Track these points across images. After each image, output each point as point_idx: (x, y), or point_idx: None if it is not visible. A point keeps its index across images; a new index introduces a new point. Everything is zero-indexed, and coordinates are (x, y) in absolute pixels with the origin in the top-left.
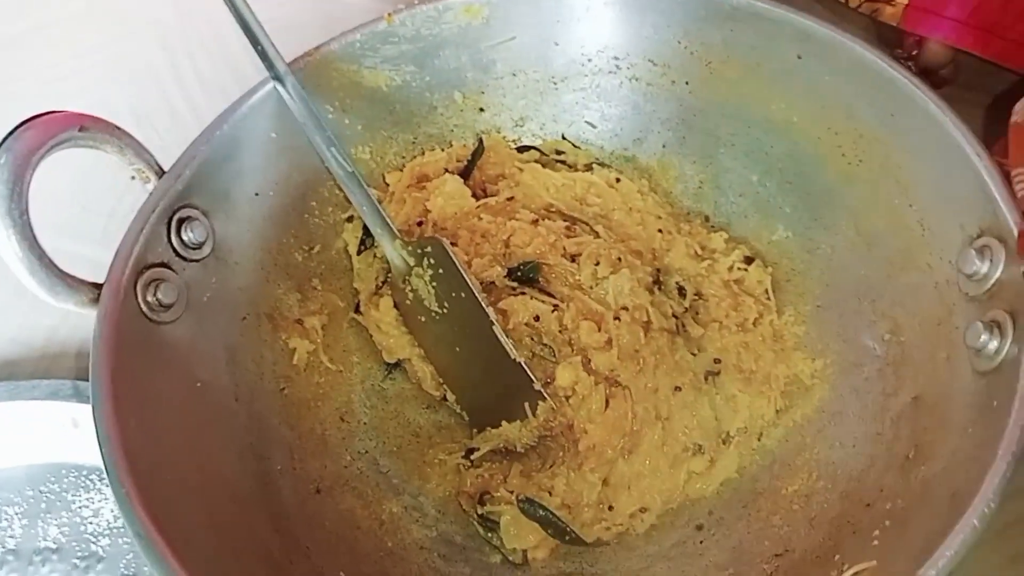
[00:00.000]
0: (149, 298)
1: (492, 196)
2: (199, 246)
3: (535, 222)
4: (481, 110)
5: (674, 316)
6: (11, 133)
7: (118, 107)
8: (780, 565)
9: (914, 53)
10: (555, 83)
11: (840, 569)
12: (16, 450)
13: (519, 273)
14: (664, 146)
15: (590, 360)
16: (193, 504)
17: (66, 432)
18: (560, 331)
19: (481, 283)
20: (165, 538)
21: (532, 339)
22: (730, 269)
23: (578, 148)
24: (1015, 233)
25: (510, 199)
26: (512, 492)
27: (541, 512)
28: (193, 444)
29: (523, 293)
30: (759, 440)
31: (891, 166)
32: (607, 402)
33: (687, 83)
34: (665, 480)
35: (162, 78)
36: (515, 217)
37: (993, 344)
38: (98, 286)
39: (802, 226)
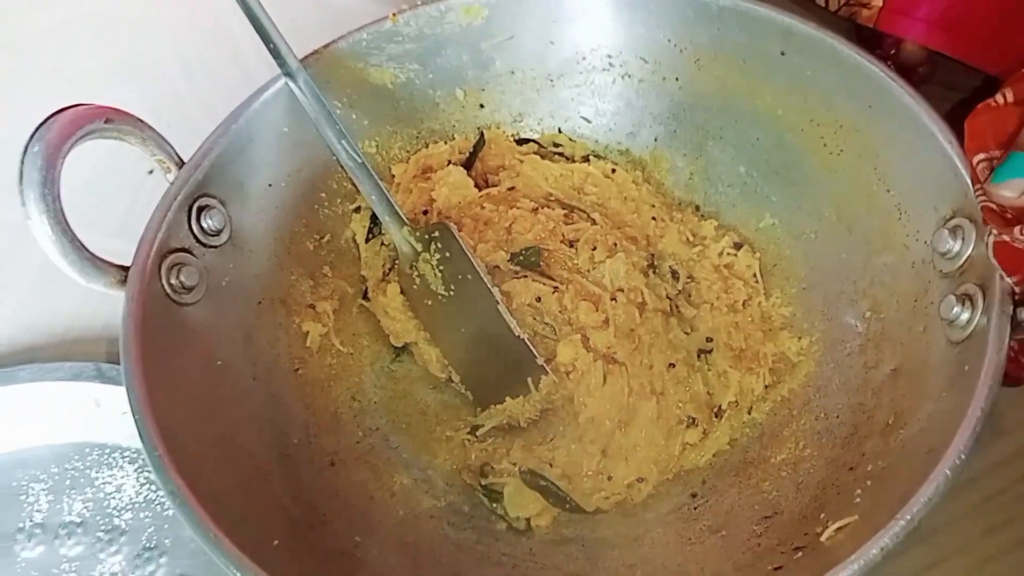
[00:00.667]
0: (172, 280)
1: (494, 186)
2: (217, 233)
3: (535, 210)
4: (481, 106)
5: (668, 298)
6: (43, 123)
7: (133, 104)
8: (769, 526)
9: (893, 53)
10: (551, 80)
11: (824, 526)
12: (41, 430)
13: (521, 257)
14: (656, 139)
15: (588, 338)
16: (220, 471)
17: (89, 412)
18: (560, 311)
19: (486, 266)
20: (197, 498)
21: (534, 319)
22: (720, 254)
23: (574, 141)
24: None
25: (511, 189)
26: (515, 464)
27: (542, 482)
28: (216, 417)
29: (525, 276)
30: (749, 414)
31: (869, 154)
32: (605, 377)
33: (677, 79)
34: (660, 451)
35: (174, 77)
36: (516, 206)
37: (965, 315)
38: (125, 268)
39: (787, 213)
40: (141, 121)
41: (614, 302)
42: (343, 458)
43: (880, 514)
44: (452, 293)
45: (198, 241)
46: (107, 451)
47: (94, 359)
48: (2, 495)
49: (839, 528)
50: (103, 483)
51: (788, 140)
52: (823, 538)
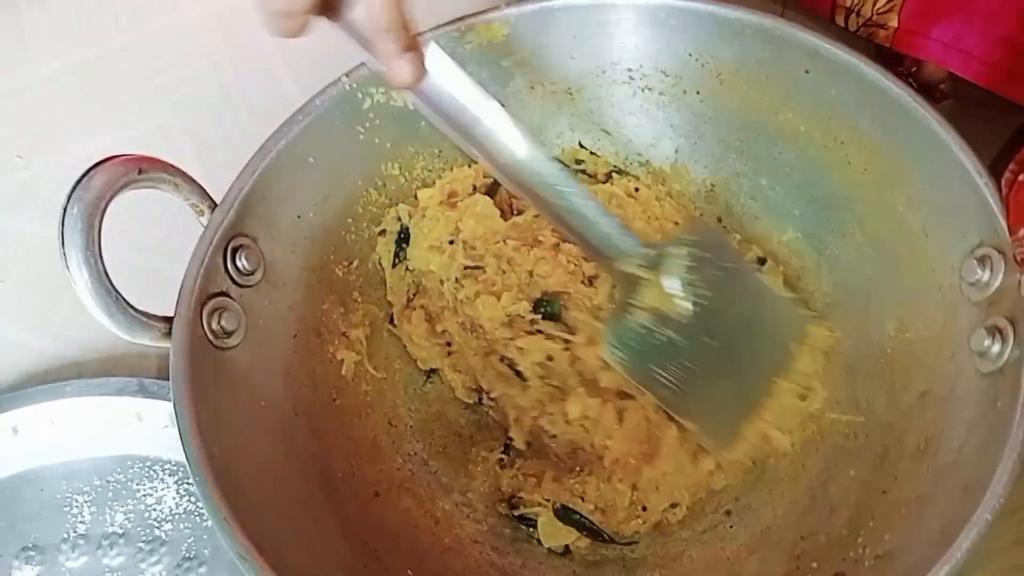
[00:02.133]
0: (214, 326)
1: (519, 213)
2: (252, 272)
3: (556, 246)
4: None
5: None
6: (78, 183)
7: (173, 131)
8: (806, 548)
9: (914, 70)
10: (571, 94)
11: (862, 550)
12: (85, 443)
13: (544, 308)
14: (676, 151)
15: (598, 380)
16: (278, 520)
17: (131, 426)
18: (570, 365)
19: (508, 317)
20: (258, 549)
21: (542, 378)
22: None
23: (596, 156)
24: (1011, 245)
25: (536, 215)
26: (548, 500)
27: (576, 516)
28: (264, 459)
29: (538, 332)
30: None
31: (895, 176)
32: (620, 416)
33: (698, 93)
34: (690, 475)
35: (214, 103)
36: (539, 239)
37: (996, 348)
38: (168, 320)
39: (811, 228)
40: (173, 167)
41: None
42: (386, 487)
43: (917, 547)
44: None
45: (235, 282)
46: (148, 464)
47: (137, 374)
48: (48, 507)
49: (878, 556)
50: (144, 495)
51: (812, 156)
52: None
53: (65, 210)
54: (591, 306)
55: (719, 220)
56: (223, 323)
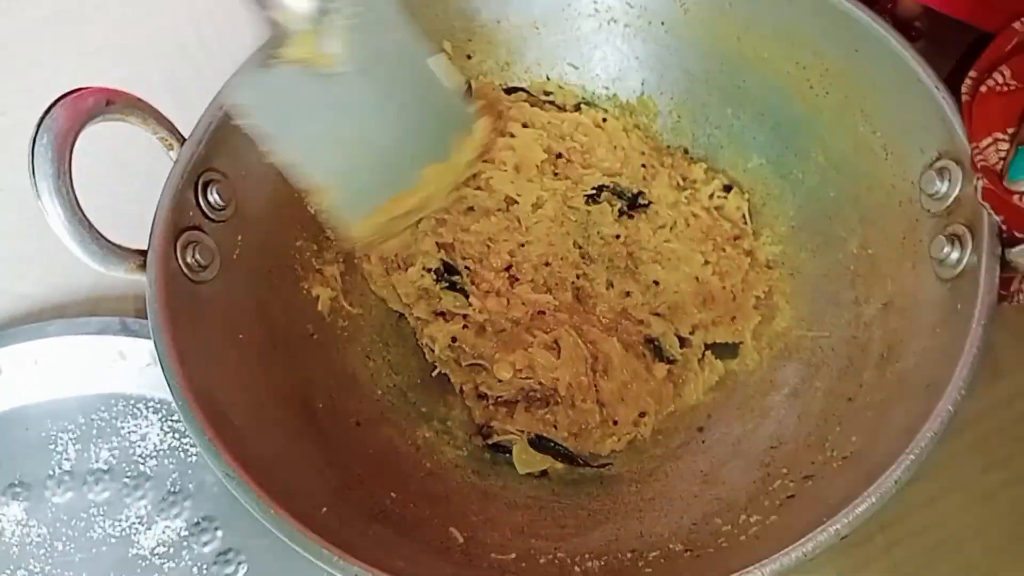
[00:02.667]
0: (189, 259)
1: None
2: (224, 207)
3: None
4: (468, 57)
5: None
6: (46, 114)
7: (153, 81)
8: (776, 456)
9: (890, 6)
10: (537, 28)
11: (830, 454)
12: (69, 381)
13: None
14: (643, 83)
15: (512, 329)
16: (262, 447)
17: (115, 364)
18: (478, 336)
19: (419, 290)
20: (251, 476)
21: (456, 361)
22: (710, 197)
23: (564, 88)
24: (970, 155)
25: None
26: (521, 432)
27: (551, 445)
28: (244, 388)
29: (441, 316)
30: (739, 350)
31: (855, 97)
32: (555, 348)
33: (663, 23)
34: (649, 381)
35: (192, 52)
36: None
37: (955, 255)
38: (142, 253)
39: (775, 154)
40: (142, 101)
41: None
42: (367, 417)
43: (882, 444)
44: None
45: (207, 217)
46: (132, 401)
47: (119, 314)
48: (33, 444)
49: (845, 457)
50: (129, 432)
51: (774, 82)
52: (834, 465)
53: (34, 140)
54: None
55: (686, 151)
56: (197, 256)
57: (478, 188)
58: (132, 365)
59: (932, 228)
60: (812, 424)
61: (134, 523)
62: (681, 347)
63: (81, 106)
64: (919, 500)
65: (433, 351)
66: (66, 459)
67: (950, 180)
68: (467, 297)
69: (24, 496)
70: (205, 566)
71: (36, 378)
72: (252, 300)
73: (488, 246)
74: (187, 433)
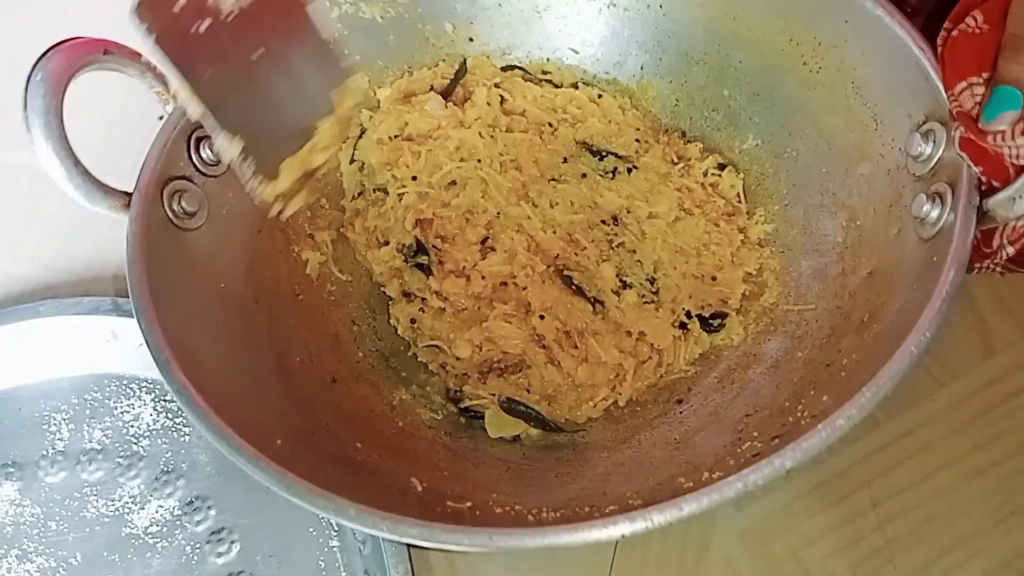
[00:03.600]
0: (175, 206)
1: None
2: (215, 163)
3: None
4: (470, 39)
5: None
6: (44, 54)
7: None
8: (750, 422)
9: None
10: (538, 12)
11: (800, 414)
12: (61, 362)
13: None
14: (642, 68)
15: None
16: (224, 379)
17: (107, 344)
18: (435, 320)
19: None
20: (204, 397)
21: (414, 342)
22: (705, 174)
23: (562, 70)
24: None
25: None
26: (493, 395)
27: (522, 408)
28: (219, 334)
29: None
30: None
31: (846, 69)
32: (531, 330)
33: (661, 6)
34: (621, 338)
35: None
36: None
37: (935, 212)
38: (128, 194)
39: (770, 133)
40: (138, 54)
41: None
42: (344, 376)
43: (848, 397)
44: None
45: (198, 170)
46: (125, 382)
47: (111, 294)
48: (26, 424)
49: (814, 416)
50: (122, 412)
51: (769, 61)
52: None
53: (29, 77)
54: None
55: (683, 134)
56: (184, 204)
57: (461, 160)
58: (125, 345)
59: (915, 190)
60: (788, 391)
61: (127, 502)
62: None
63: (77, 51)
64: (911, 477)
65: (396, 330)
66: (59, 439)
67: (934, 141)
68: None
69: (17, 476)
70: (198, 545)
71: (28, 358)
72: (237, 255)
73: (467, 219)
74: (181, 412)
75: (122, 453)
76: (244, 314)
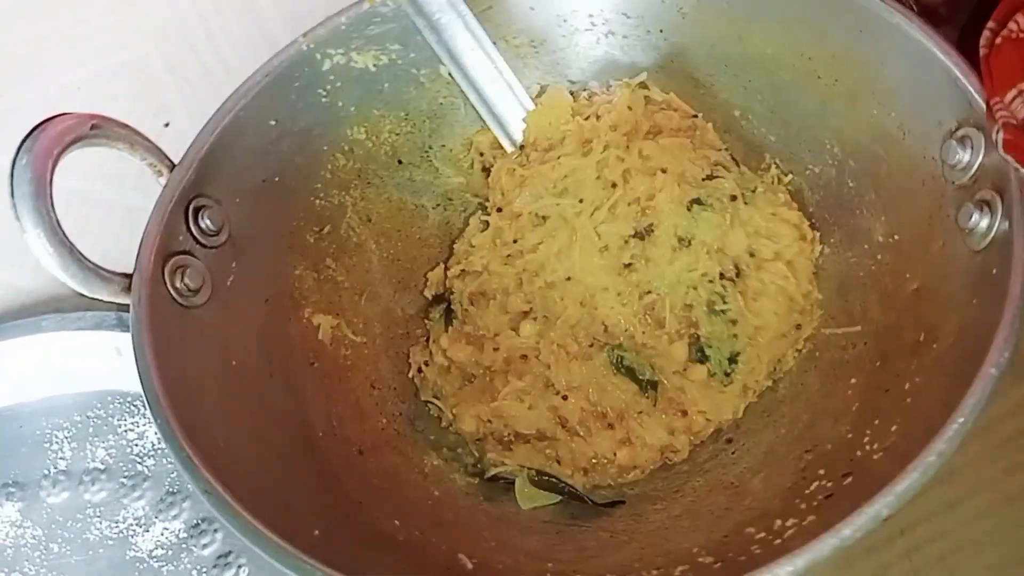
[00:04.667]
0: (177, 284)
1: None
2: (216, 233)
3: None
4: None
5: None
6: (28, 136)
7: (152, 60)
8: (812, 459)
9: None
10: (535, 46)
11: (869, 447)
12: (64, 378)
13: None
14: None
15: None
16: (250, 468)
17: (111, 360)
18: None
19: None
20: (232, 494)
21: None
22: None
23: None
24: (986, 108)
25: None
26: (522, 467)
27: (554, 481)
28: (238, 415)
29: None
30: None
31: (866, 80)
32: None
33: (661, 31)
34: (673, 418)
35: (193, 34)
36: None
37: (984, 222)
38: (128, 276)
39: (788, 151)
40: (128, 127)
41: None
42: (370, 445)
43: (923, 425)
44: None
45: (198, 242)
46: (129, 399)
47: (115, 309)
48: (27, 443)
49: (886, 448)
50: (125, 430)
51: (781, 78)
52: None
53: (14, 162)
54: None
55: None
56: (187, 280)
57: (560, 194)
58: (128, 361)
59: (958, 200)
60: (848, 423)
61: (132, 524)
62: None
63: (64, 129)
64: (940, 503)
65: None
66: (61, 458)
67: (972, 147)
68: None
69: (18, 496)
70: (204, 569)
71: (30, 375)
72: (249, 327)
73: (520, 280)
74: None
75: (126, 473)
76: (260, 391)
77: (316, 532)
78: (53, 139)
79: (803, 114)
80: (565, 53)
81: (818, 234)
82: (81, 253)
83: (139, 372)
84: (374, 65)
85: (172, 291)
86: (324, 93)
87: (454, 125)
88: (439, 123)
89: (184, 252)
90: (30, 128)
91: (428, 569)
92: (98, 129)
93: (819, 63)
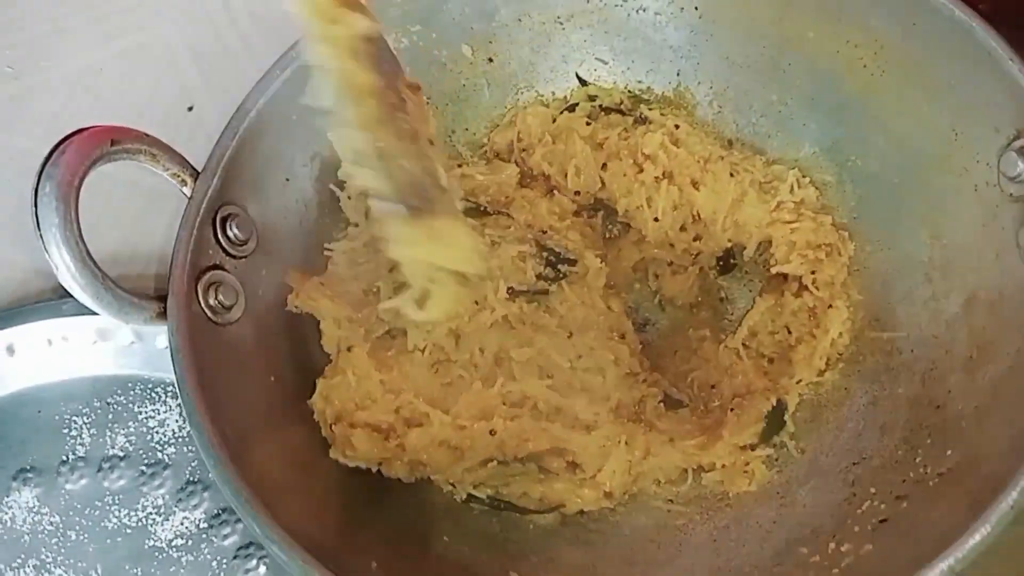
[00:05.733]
0: (211, 301)
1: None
2: (245, 242)
3: None
4: (490, 60)
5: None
6: (47, 160)
7: (174, 42)
8: (860, 474)
9: None
10: (561, 23)
11: (923, 470)
12: (83, 363)
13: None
14: (678, 74)
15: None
16: (297, 499)
17: (132, 346)
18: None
19: None
20: (292, 535)
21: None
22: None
23: (604, 88)
24: None
25: None
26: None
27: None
28: (281, 440)
29: None
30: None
31: (917, 74)
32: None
33: (696, 8)
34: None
35: (216, 16)
36: None
37: None
38: (161, 299)
39: (829, 140)
40: (148, 136)
41: None
42: None
43: (988, 460)
44: None
45: (227, 254)
46: (150, 386)
47: (138, 293)
48: (45, 427)
49: (941, 474)
50: (146, 417)
51: (822, 64)
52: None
53: (37, 189)
54: None
55: (730, 143)
56: (220, 297)
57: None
58: (149, 347)
59: (1018, 214)
60: (898, 436)
61: (151, 513)
62: None
63: (85, 149)
64: None
65: None
66: (80, 444)
67: None
68: None
69: (36, 482)
70: (225, 560)
71: (49, 359)
72: (281, 339)
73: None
74: None
75: (146, 461)
76: (301, 408)
77: (374, 565)
78: (75, 161)
79: (845, 103)
80: (594, 30)
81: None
82: (112, 280)
83: (184, 404)
84: (395, 48)
85: (207, 310)
86: None
87: (477, 108)
88: (462, 106)
89: (215, 267)
90: (57, 118)
91: None
92: (119, 144)
93: (865, 52)
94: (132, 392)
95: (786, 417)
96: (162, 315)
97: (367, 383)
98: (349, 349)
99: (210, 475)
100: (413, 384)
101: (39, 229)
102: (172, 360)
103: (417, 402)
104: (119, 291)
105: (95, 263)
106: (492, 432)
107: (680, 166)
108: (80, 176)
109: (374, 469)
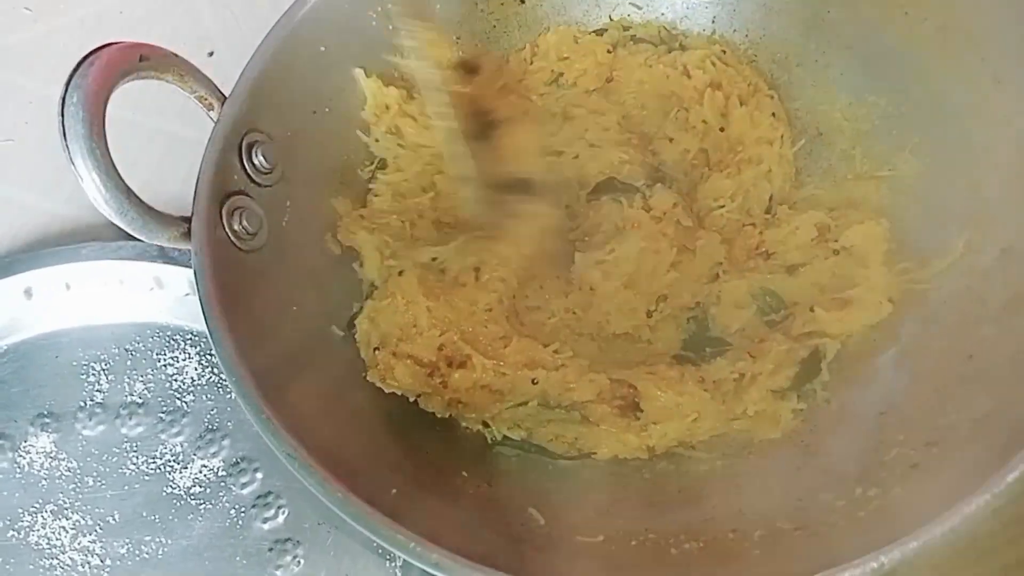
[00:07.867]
0: (236, 226)
1: None
2: (270, 171)
3: None
4: (521, 2)
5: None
6: (76, 70)
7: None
8: (887, 421)
9: None
10: None
11: (954, 416)
12: (102, 308)
13: None
14: (714, 21)
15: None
16: (321, 425)
17: (151, 292)
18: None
19: None
20: (314, 459)
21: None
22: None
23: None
24: None
25: None
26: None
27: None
28: (302, 367)
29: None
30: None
31: (958, 21)
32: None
33: None
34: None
35: None
36: None
37: None
38: (187, 219)
39: (865, 90)
40: (177, 56)
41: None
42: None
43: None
44: None
45: (252, 181)
46: (169, 333)
47: None
48: (63, 373)
49: (976, 420)
50: (165, 364)
51: (862, 12)
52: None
53: (64, 100)
54: None
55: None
56: (244, 223)
57: None
58: (169, 294)
59: None
60: (928, 386)
61: (169, 460)
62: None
63: (112, 63)
64: None
65: None
66: (98, 390)
67: None
68: None
69: (54, 428)
70: (243, 509)
71: (68, 303)
72: (304, 270)
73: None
74: None
75: (164, 408)
76: (324, 340)
77: (394, 491)
78: (103, 73)
79: (885, 52)
80: None
81: None
82: (137, 197)
83: (210, 331)
84: None
85: (231, 234)
86: (374, 15)
87: (508, 50)
88: (492, 47)
89: (240, 192)
90: (76, 61)
91: (504, 527)
92: (147, 61)
93: None
94: (151, 339)
95: (822, 364)
96: (186, 235)
97: (415, 308)
98: (400, 273)
99: (229, 423)
100: (457, 320)
101: (65, 139)
102: (195, 280)
103: (461, 343)
104: (144, 207)
105: (120, 176)
106: (534, 381)
107: (729, 80)
108: (108, 88)
109: (411, 399)
